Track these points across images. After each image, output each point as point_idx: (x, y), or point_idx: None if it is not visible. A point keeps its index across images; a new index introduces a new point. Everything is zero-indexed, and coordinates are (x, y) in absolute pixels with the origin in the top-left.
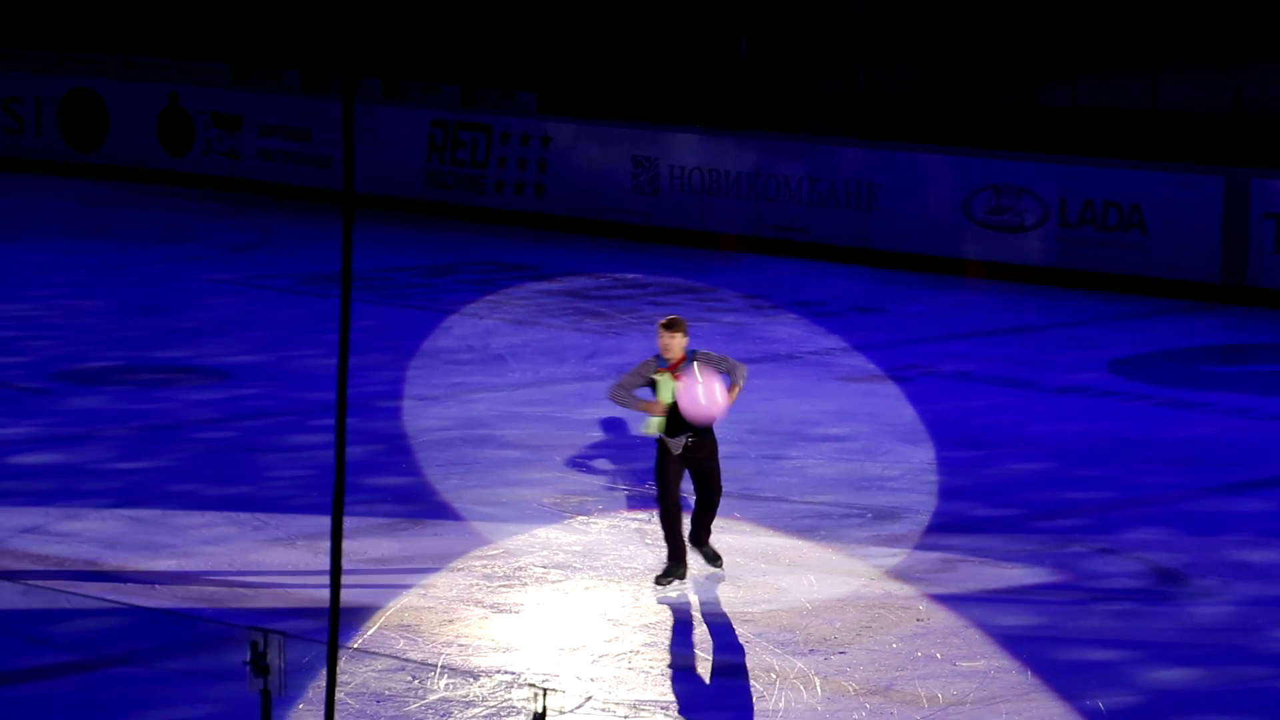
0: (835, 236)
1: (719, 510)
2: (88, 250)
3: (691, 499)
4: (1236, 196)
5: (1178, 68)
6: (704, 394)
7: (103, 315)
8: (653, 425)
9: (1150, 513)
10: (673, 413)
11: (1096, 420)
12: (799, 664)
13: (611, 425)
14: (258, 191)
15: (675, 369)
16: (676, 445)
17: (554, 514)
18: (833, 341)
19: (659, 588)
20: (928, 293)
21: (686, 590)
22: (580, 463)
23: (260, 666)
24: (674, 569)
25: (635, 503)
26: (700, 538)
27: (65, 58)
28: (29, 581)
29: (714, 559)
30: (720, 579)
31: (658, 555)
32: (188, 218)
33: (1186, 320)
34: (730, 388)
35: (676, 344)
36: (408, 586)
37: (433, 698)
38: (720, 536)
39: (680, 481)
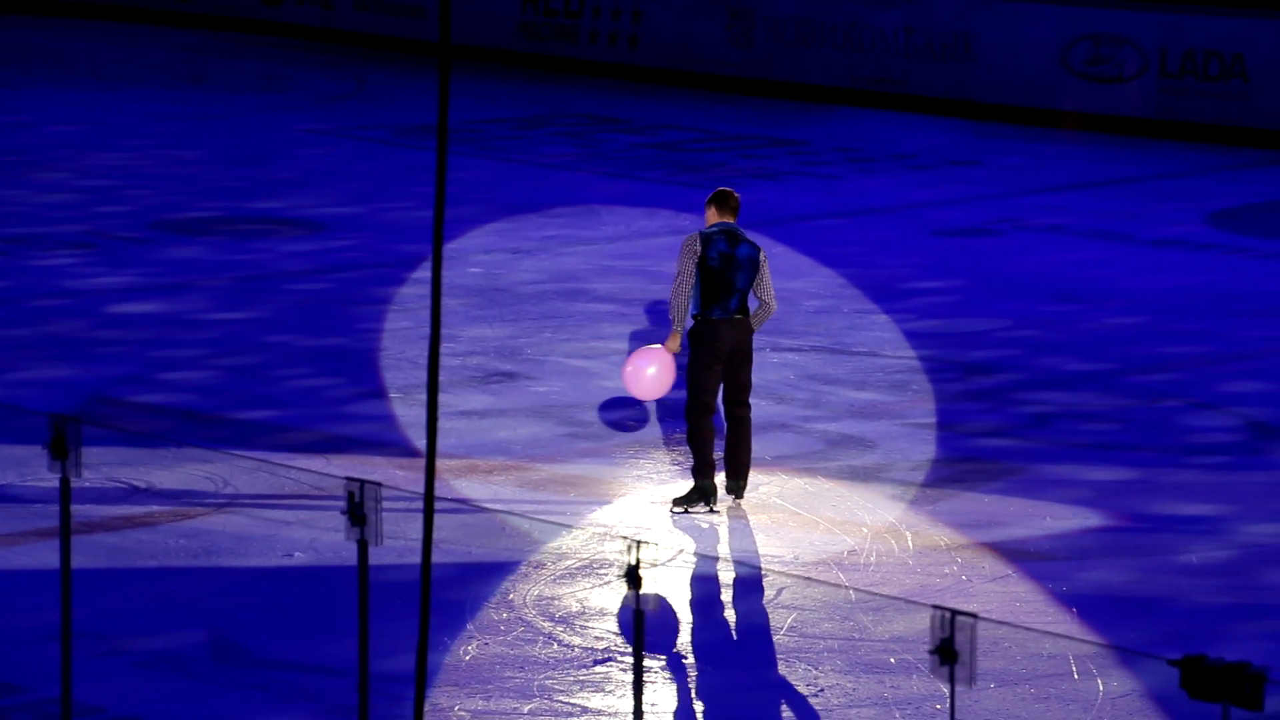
0: (931, 88)
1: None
2: (184, 100)
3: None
4: None
5: None
6: (640, 372)
7: (199, 165)
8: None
9: (1247, 367)
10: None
11: (1193, 273)
12: (890, 518)
13: None
14: (351, 42)
15: None
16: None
17: None
18: (927, 195)
19: (676, 510)
20: (1024, 145)
21: (776, 443)
22: None
23: (357, 516)
24: (701, 489)
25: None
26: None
27: None
28: (129, 429)
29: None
30: (810, 433)
31: (755, 408)
32: (283, 68)
33: None
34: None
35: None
36: (500, 439)
37: (525, 549)
38: (812, 388)
39: (717, 384)
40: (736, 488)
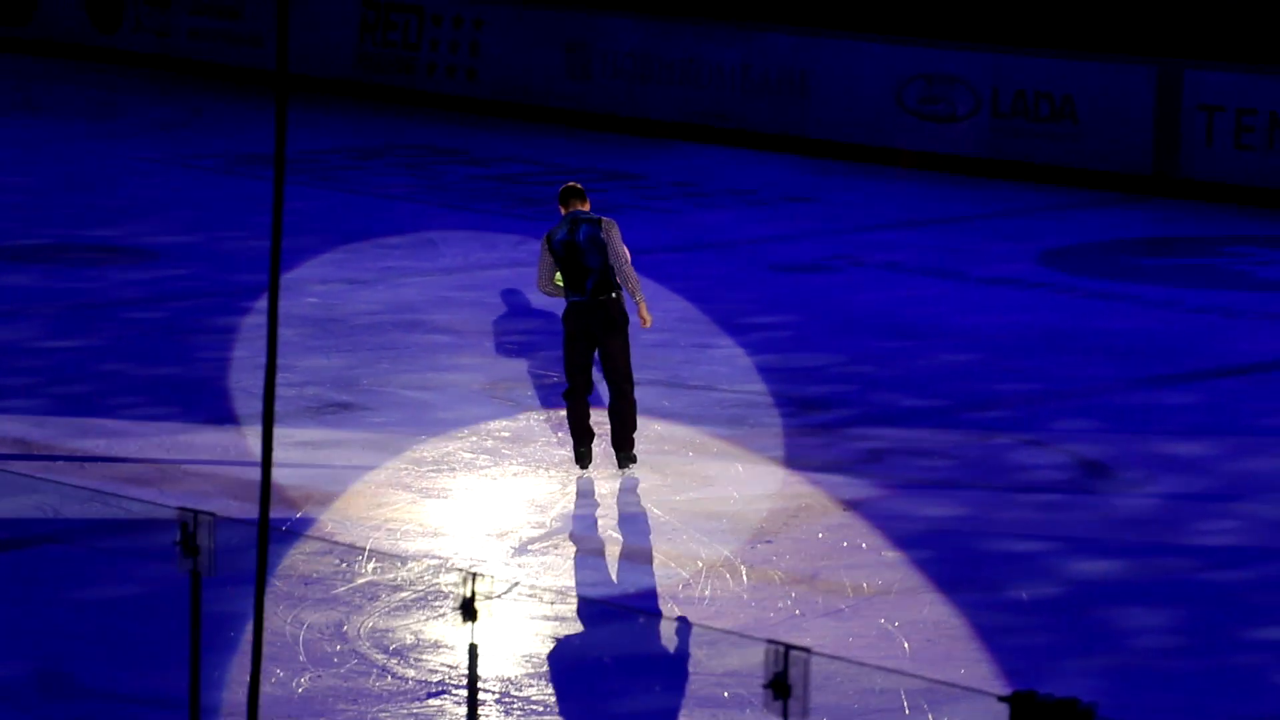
0: (767, 124)
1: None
2: (16, 126)
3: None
4: (1169, 87)
5: None
6: None
7: (31, 192)
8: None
9: (1076, 405)
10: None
11: (1025, 312)
12: (725, 552)
13: (541, 312)
14: (187, 71)
15: None
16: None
17: (483, 400)
18: (763, 230)
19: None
20: (859, 182)
21: (613, 478)
22: (510, 349)
23: (190, 547)
24: (576, 455)
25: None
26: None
27: None
28: None
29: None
30: (644, 470)
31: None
32: (117, 95)
33: (1117, 212)
34: None
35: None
36: (336, 470)
37: (361, 581)
38: (648, 424)
39: (585, 359)
40: (621, 458)
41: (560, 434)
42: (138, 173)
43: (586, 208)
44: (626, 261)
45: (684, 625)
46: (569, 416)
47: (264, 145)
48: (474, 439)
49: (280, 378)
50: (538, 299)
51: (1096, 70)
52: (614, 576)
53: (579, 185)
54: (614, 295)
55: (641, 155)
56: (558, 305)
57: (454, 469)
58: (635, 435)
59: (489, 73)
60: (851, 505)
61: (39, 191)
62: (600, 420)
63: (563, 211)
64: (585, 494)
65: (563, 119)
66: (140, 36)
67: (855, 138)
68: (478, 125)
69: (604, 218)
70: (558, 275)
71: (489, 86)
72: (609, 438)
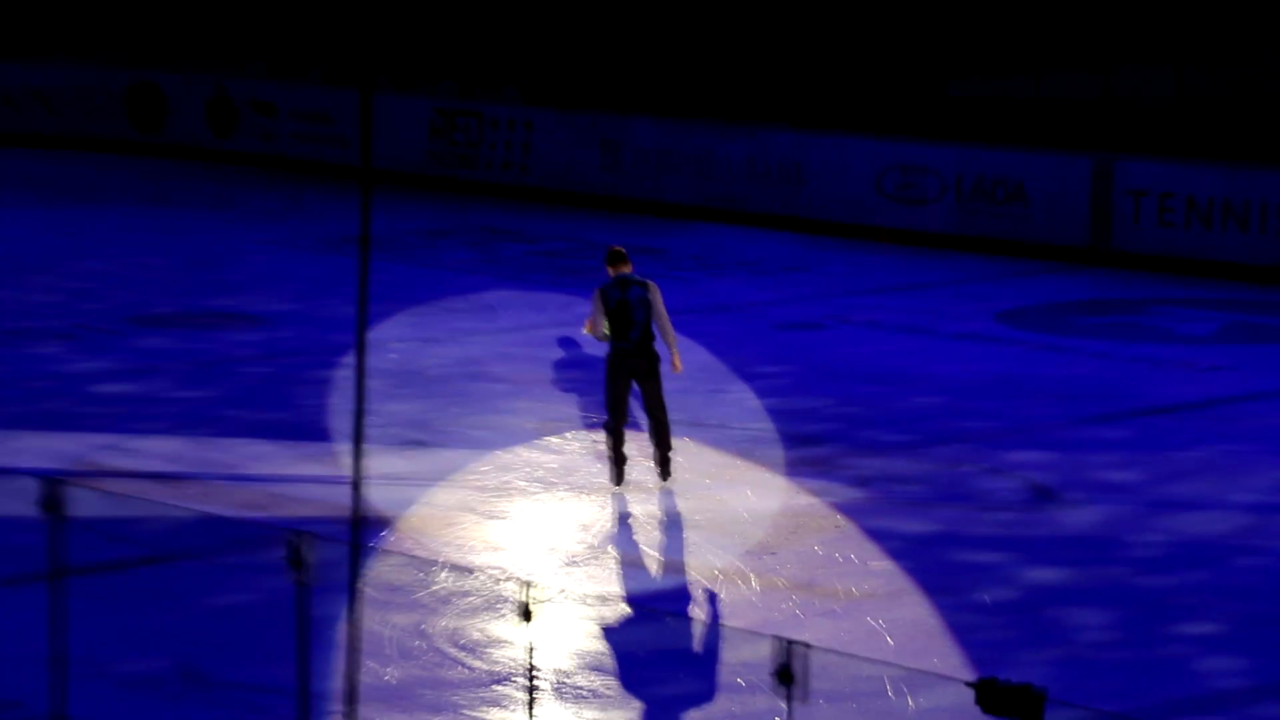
0: (769, 207)
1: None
2: (150, 216)
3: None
4: (1103, 175)
5: (1059, 65)
6: None
7: (164, 270)
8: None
9: (1029, 439)
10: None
11: (984, 362)
12: (737, 563)
13: (584, 363)
14: (289, 167)
15: None
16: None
17: (536, 437)
18: (766, 295)
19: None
20: (846, 255)
21: (645, 502)
22: (557, 394)
23: (296, 562)
24: (614, 475)
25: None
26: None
27: (132, 55)
28: (107, 488)
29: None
30: (670, 493)
31: (629, 467)
32: (233, 189)
33: (1060, 279)
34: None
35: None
36: (415, 496)
37: (436, 588)
38: (672, 455)
39: (624, 395)
40: (661, 473)
41: (600, 465)
42: (250, 252)
43: (630, 269)
44: (667, 320)
45: (705, 624)
46: (608, 443)
47: (352, 228)
48: (528, 469)
49: (367, 420)
50: (584, 350)
51: (1043, 161)
52: (645, 584)
53: (624, 250)
54: (650, 344)
55: (664, 233)
56: (599, 350)
57: (511, 495)
58: (671, 455)
59: (538, 166)
60: (842, 524)
61: (170, 269)
62: (636, 446)
63: (610, 271)
64: (622, 515)
65: (599, 204)
66: (251, 140)
67: (843, 217)
68: (528, 209)
69: (649, 281)
70: (605, 323)
71: (538, 177)
72: (645, 462)
